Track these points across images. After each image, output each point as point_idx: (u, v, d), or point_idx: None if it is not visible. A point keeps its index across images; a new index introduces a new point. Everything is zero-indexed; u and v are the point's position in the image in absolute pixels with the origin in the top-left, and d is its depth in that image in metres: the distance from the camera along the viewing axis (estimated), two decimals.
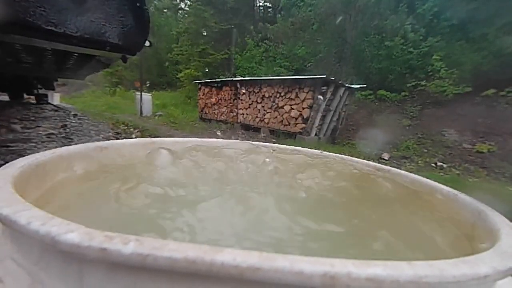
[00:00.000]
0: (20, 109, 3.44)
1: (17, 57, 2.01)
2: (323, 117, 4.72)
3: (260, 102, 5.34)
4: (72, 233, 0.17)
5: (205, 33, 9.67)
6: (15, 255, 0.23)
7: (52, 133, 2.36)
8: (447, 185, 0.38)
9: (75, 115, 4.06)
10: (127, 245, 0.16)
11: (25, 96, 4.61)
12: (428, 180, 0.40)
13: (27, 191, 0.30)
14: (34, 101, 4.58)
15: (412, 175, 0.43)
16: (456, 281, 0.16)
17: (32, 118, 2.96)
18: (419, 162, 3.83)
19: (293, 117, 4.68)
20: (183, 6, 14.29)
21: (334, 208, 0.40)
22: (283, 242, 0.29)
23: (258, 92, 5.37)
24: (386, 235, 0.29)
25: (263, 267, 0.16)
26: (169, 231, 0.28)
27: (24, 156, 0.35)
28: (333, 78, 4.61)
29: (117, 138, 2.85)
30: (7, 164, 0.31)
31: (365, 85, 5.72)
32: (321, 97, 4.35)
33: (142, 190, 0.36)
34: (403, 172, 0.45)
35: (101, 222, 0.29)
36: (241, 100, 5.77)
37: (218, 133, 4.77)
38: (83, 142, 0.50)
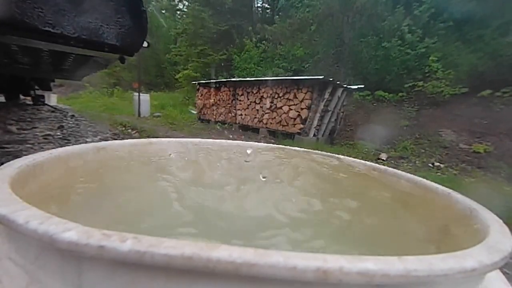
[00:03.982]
0: (16, 110, 3.41)
1: (13, 58, 2.00)
2: (322, 117, 4.73)
3: (259, 103, 5.35)
4: (70, 232, 0.18)
5: (203, 34, 9.67)
6: (13, 255, 0.23)
7: (49, 134, 2.35)
8: (443, 185, 0.39)
9: (72, 116, 4.04)
10: (124, 242, 0.17)
11: (22, 97, 4.58)
12: (422, 179, 0.41)
13: (24, 191, 0.31)
14: (31, 102, 4.55)
15: (407, 174, 0.44)
16: (444, 274, 0.16)
17: (29, 119, 2.94)
18: (417, 162, 3.86)
19: (291, 118, 4.69)
20: (181, 7, 14.30)
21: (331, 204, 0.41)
22: None
23: (256, 93, 5.38)
24: (381, 233, 0.30)
25: (258, 263, 0.16)
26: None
27: (20, 157, 0.35)
28: (331, 79, 4.63)
29: (115, 139, 2.83)
30: (4, 165, 0.31)
31: (363, 86, 5.75)
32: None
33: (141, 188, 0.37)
34: (398, 171, 0.46)
35: (100, 222, 0.29)
36: (240, 100, 5.77)
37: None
38: (80, 143, 0.50)
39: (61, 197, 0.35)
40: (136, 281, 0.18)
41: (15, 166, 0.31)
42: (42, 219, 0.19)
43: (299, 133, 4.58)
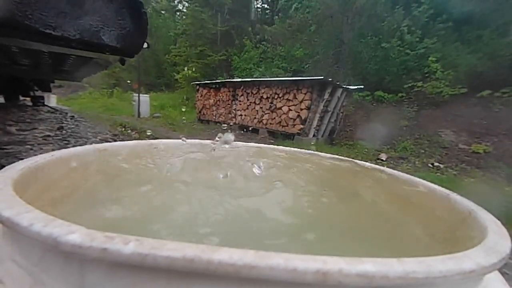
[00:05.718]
0: (16, 111, 3.41)
1: (13, 59, 2.00)
2: (321, 118, 4.74)
3: (258, 103, 5.35)
4: (74, 234, 0.18)
5: (203, 34, 9.68)
6: (16, 257, 0.23)
7: (49, 135, 2.35)
8: (443, 186, 0.39)
9: (72, 117, 4.04)
10: (127, 245, 0.17)
11: (21, 98, 4.58)
12: (421, 180, 0.41)
13: (27, 193, 0.31)
14: (30, 103, 4.55)
15: (406, 175, 0.44)
16: (443, 276, 0.17)
17: (28, 120, 2.93)
18: (416, 162, 3.86)
19: (291, 118, 4.69)
20: (180, 8, 14.32)
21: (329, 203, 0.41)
22: None
23: (256, 93, 5.38)
24: (379, 234, 0.30)
25: (258, 265, 0.16)
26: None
27: (20, 158, 0.35)
28: (330, 79, 4.63)
29: (115, 140, 2.84)
30: (7, 167, 0.32)
31: (362, 86, 5.75)
32: None
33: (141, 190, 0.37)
34: (397, 172, 0.46)
35: (101, 223, 0.30)
36: (239, 101, 5.78)
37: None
38: (80, 144, 0.50)
39: (63, 199, 0.36)
40: (137, 283, 0.18)
41: (17, 168, 0.32)
42: (46, 222, 0.19)
43: (298, 134, 4.58)
